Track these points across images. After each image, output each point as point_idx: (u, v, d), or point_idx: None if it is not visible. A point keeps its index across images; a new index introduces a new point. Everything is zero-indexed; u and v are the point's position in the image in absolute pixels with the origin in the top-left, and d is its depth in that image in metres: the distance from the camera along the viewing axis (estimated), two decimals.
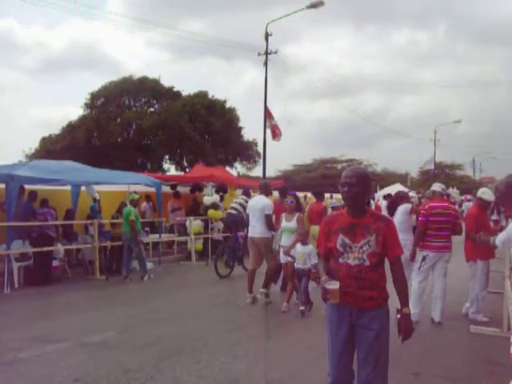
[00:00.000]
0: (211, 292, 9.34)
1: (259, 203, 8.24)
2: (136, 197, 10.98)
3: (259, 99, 22.49)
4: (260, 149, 28.55)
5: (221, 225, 14.30)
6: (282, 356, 5.56)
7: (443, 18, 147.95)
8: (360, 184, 3.27)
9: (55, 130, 32.56)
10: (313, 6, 20.78)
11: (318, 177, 52.55)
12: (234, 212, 11.15)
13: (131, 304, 8.31)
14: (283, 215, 7.89)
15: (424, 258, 7.01)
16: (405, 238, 7.45)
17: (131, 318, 7.22)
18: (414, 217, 7.84)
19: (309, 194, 18.82)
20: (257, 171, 34.06)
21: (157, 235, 12.80)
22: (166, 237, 13.74)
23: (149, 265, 11.29)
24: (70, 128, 30.95)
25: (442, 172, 62.53)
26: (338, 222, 3.37)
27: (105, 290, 9.66)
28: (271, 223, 8.22)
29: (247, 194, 11.88)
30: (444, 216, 6.99)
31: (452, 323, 6.95)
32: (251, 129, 52.13)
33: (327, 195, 18.44)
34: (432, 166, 50.49)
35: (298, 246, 7.50)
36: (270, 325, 6.91)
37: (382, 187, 31.10)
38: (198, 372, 4.92)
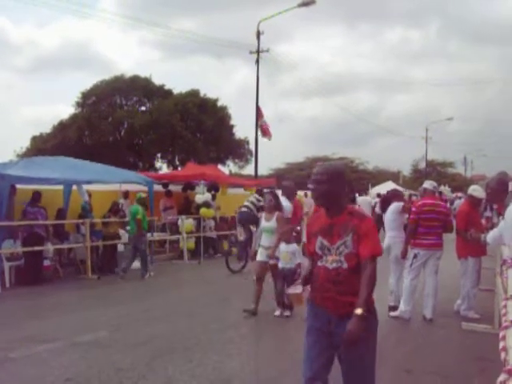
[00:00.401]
0: (203, 291, 9.33)
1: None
2: (143, 195, 11.13)
3: (251, 97, 22.47)
4: (252, 147, 28.56)
5: (213, 223, 14.31)
6: (275, 355, 5.57)
7: (436, 16, 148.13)
8: (331, 181, 3.10)
9: (47, 129, 32.43)
10: (304, 4, 20.80)
11: (310, 175, 52.50)
12: (245, 210, 11.55)
13: (123, 303, 8.28)
14: (262, 214, 7.66)
15: (415, 256, 7.03)
16: (396, 236, 7.49)
17: (123, 317, 7.20)
18: (406, 216, 7.86)
19: (309, 192, 18.83)
20: (249, 169, 34.00)
21: (149, 234, 12.75)
22: (157, 236, 13.70)
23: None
24: (62, 127, 30.79)
25: (434, 170, 62.80)
26: (318, 223, 3.22)
27: (97, 289, 9.62)
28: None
29: (260, 192, 11.97)
30: (435, 213, 7.02)
31: (444, 320, 6.97)
32: (243, 127, 51.97)
33: None
34: (424, 164, 50.72)
35: (282, 245, 7.20)
36: (263, 323, 6.91)
37: (373, 185, 31.22)
38: (190, 371, 4.91)
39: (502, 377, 1.80)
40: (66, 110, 64.87)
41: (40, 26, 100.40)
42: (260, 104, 22.07)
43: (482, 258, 7.23)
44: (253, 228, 11.23)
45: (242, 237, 12.19)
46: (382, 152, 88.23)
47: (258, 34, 22.57)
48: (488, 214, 11.03)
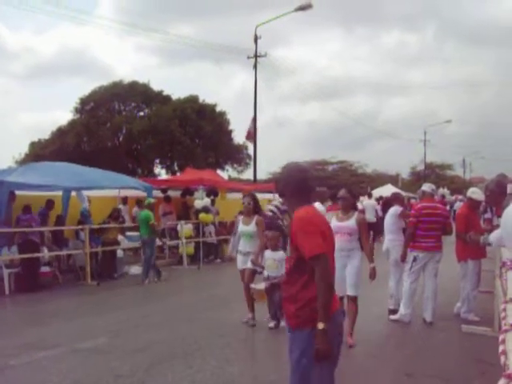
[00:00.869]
0: (203, 296, 9.31)
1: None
2: (152, 201, 11.30)
3: (249, 102, 22.64)
4: (250, 152, 28.58)
5: (212, 228, 14.28)
6: (273, 359, 5.55)
7: (432, 19, 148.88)
8: (285, 180, 2.90)
9: (45, 135, 32.47)
10: (301, 8, 20.89)
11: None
12: (269, 214, 11.51)
13: (123, 309, 8.26)
14: (240, 218, 7.33)
15: (415, 259, 7.02)
16: (395, 239, 7.50)
17: (123, 323, 7.18)
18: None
19: None
20: (248, 174, 34.04)
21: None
22: (157, 241, 13.65)
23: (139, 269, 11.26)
24: (60, 133, 30.79)
25: (433, 172, 62.81)
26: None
27: (96, 295, 9.60)
28: None
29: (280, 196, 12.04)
30: (434, 216, 7.02)
31: (443, 323, 6.96)
32: (242, 132, 52.04)
33: None
34: (422, 167, 50.74)
35: (268, 252, 6.63)
36: (262, 329, 6.89)
37: (372, 188, 31.18)
38: (190, 377, 4.89)
39: (501, 381, 1.79)
40: (64, 116, 64.98)
41: (38, 32, 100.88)
42: (258, 109, 22.18)
43: (482, 260, 7.22)
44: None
45: None
46: (380, 155, 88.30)
47: (256, 39, 22.67)
48: (488, 215, 10.99)
